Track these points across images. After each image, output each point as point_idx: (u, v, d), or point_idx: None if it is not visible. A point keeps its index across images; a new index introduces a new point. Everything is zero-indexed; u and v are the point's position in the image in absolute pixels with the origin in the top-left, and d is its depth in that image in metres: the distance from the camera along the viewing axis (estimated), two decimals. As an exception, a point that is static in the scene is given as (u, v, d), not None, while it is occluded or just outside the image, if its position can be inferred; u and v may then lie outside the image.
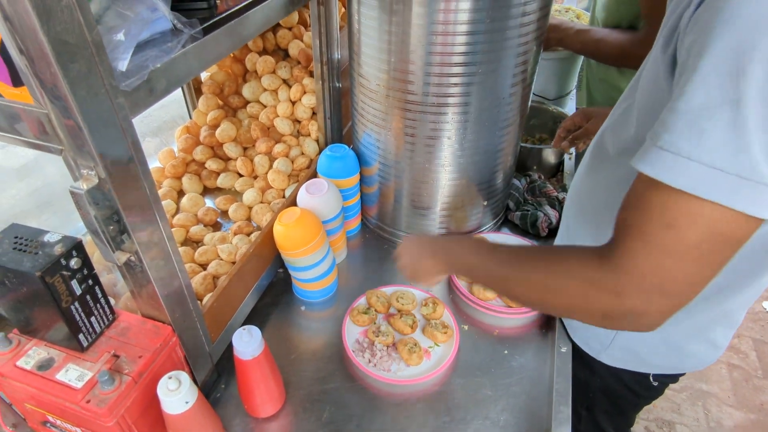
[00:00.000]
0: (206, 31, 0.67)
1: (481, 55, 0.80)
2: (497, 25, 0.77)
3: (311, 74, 1.14)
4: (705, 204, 0.43)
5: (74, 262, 0.59)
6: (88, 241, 0.74)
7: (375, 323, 0.90)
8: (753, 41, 0.39)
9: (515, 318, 0.93)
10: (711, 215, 0.43)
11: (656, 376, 0.83)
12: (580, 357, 0.85)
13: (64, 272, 0.58)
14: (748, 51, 0.39)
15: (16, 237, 0.60)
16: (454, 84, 0.83)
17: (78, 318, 0.62)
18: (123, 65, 0.51)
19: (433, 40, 0.79)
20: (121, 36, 0.51)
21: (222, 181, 1.14)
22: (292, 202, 1.02)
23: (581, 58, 1.48)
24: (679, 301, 0.48)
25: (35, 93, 0.47)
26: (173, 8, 0.63)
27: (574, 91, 1.56)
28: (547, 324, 0.92)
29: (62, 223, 1.37)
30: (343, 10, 1.21)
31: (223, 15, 0.72)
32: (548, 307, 0.64)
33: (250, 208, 1.06)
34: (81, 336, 0.63)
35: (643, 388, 0.86)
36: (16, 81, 0.47)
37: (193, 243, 1.02)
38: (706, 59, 0.41)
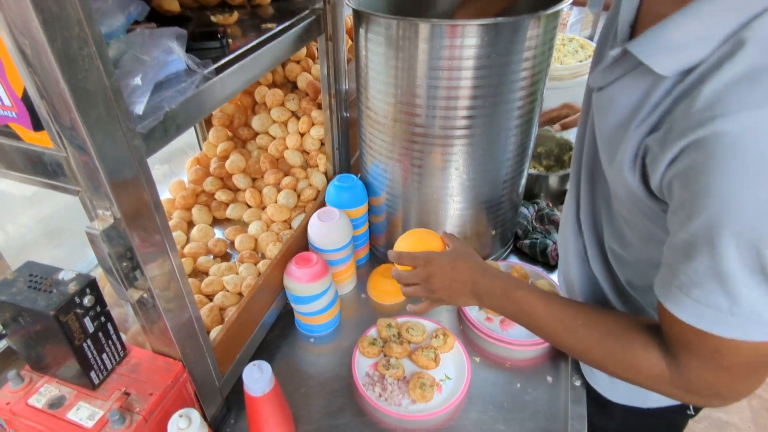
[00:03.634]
0: (219, 71, 0.69)
1: (487, 89, 0.81)
2: (503, 60, 0.79)
3: (319, 106, 1.17)
4: (735, 340, 0.48)
5: (87, 300, 0.60)
6: (99, 273, 0.75)
7: (384, 356, 0.89)
8: (760, 228, 0.42)
9: (527, 350, 0.92)
10: (753, 346, 0.48)
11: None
12: (605, 406, 0.82)
13: (78, 310, 0.58)
14: (760, 237, 0.42)
15: (31, 275, 0.60)
16: (461, 117, 0.84)
17: (90, 355, 0.62)
18: (140, 109, 0.52)
19: (438, 75, 0.80)
20: (138, 81, 0.53)
21: (231, 212, 1.15)
22: (303, 232, 1.02)
23: (585, 86, 1.50)
24: (744, 396, 0.54)
25: (55, 137, 0.49)
26: (187, 48, 0.65)
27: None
28: (560, 356, 0.91)
29: (73, 251, 1.39)
30: (350, 42, 1.24)
31: (236, 54, 0.74)
32: (604, 371, 0.64)
33: (256, 239, 1.07)
34: (92, 374, 0.63)
35: (678, 423, 0.85)
36: (37, 126, 0.49)
37: (201, 274, 1.02)
38: (719, 236, 0.44)
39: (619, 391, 0.80)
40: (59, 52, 0.43)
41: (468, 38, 0.76)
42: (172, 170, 1.45)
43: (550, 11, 0.78)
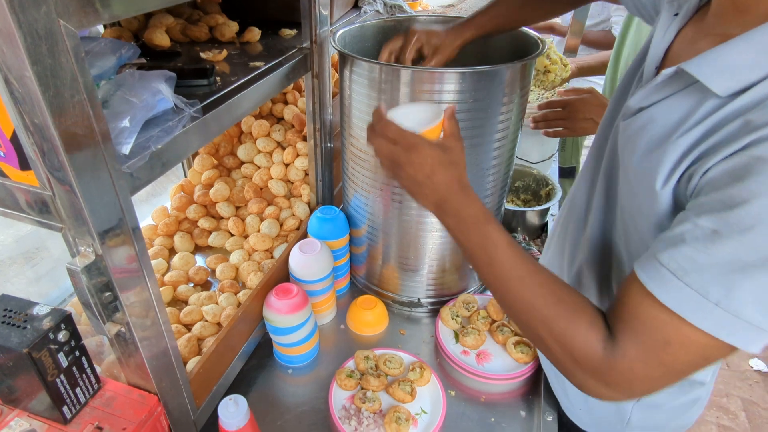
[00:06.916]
0: (206, 109, 0.71)
1: (466, 131, 0.85)
2: (480, 104, 0.83)
3: (304, 138, 1.19)
4: (701, 333, 0.47)
5: (62, 335, 0.60)
6: (76, 300, 0.74)
7: (361, 389, 0.90)
8: None
9: (502, 384, 0.93)
10: (704, 343, 0.47)
11: None
12: None
13: (52, 346, 0.58)
14: None
15: (5, 309, 0.60)
16: (440, 156, 0.88)
17: (63, 390, 0.62)
18: (127, 149, 0.54)
19: (420, 117, 0.84)
20: (126, 122, 0.54)
21: (213, 240, 1.15)
22: (284, 262, 1.03)
23: None
24: (645, 395, 0.55)
25: (41, 177, 0.50)
26: (175, 85, 0.67)
27: (557, 153, 1.63)
28: (533, 391, 0.93)
29: (49, 270, 1.38)
30: (336, 76, 1.28)
31: (223, 93, 0.76)
32: (533, 337, 0.60)
33: (237, 268, 1.08)
34: (65, 408, 0.63)
35: None
36: (24, 165, 0.50)
37: (181, 303, 1.02)
38: (757, 229, 0.44)
39: (594, 422, 0.82)
40: (50, 99, 0.44)
41: (447, 84, 0.79)
42: (155, 190, 1.45)
43: (525, 60, 0.83)
